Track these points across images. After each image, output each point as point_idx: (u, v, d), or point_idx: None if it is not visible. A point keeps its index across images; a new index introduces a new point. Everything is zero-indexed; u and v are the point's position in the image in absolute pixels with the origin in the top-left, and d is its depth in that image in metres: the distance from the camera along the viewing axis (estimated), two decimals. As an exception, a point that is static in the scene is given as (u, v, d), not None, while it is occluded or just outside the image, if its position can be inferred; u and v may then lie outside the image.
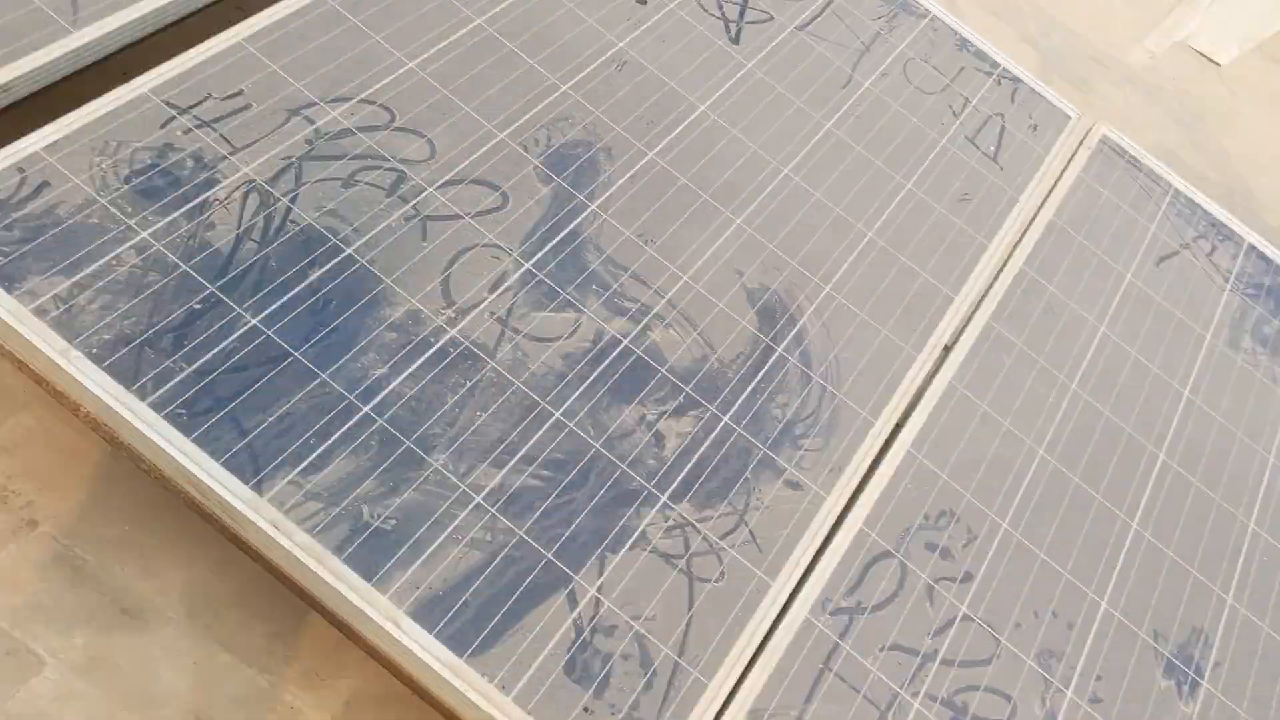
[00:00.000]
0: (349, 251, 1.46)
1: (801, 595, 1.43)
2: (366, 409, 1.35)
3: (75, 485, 1.40)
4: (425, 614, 1.26)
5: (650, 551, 1.40)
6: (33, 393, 1.44)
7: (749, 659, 1.36)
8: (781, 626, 1.40)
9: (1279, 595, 1.71)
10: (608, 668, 1.30)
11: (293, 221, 1.46)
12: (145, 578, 1.37)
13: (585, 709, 1.27)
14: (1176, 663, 1.57)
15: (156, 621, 1.35)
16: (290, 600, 1.41)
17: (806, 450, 1.54)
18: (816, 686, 1.38)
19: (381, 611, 1.25)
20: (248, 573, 1.41)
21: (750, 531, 1.45)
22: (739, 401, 1.55)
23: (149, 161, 1.44)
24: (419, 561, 1.29)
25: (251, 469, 1.27)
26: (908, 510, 1.55)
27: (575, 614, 1.33)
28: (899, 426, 1.63)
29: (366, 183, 1.53)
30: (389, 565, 1.28)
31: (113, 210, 1.38)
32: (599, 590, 1.35)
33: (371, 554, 1.28)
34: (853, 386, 1.63)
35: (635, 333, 1.55)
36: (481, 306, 1.49)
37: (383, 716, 1.38)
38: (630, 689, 1.30)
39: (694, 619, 1.37)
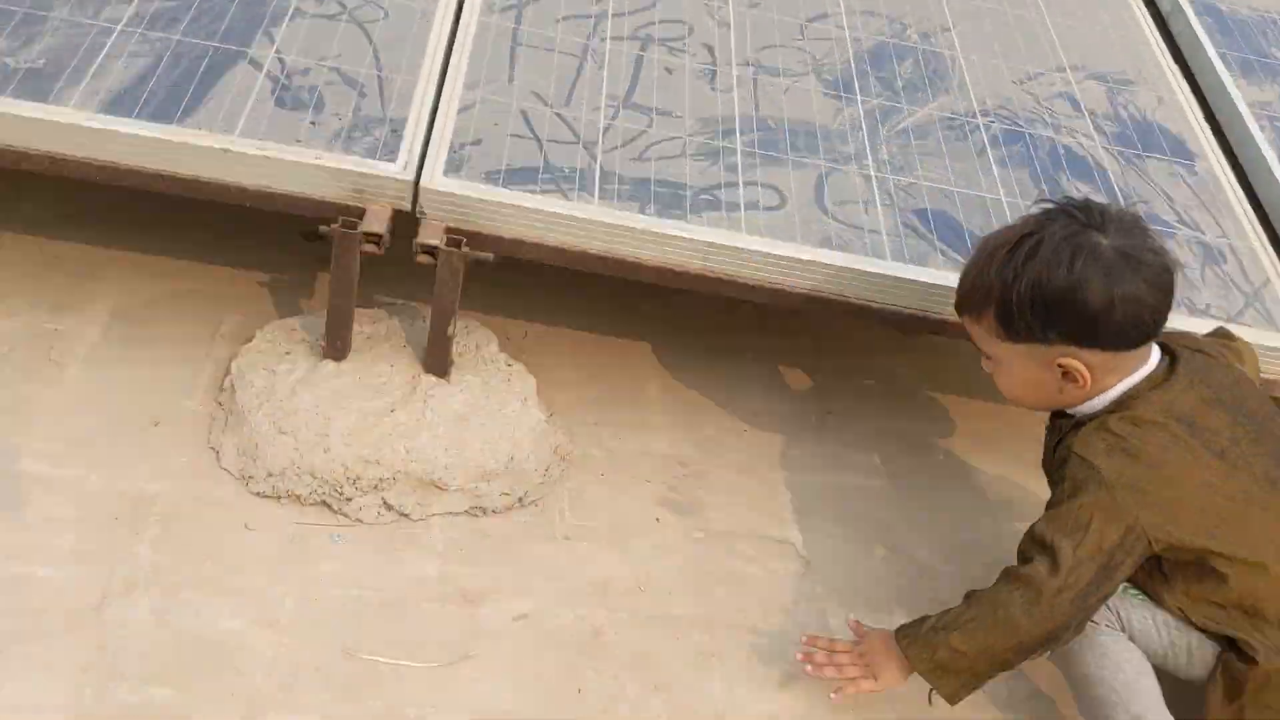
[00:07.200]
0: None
1: (466, 8, 1.50)
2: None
3: None
4: (115, 106, 1.24)
5: (311, 17, 1.42)
6: None
7: (443, 61, 1.42)
8: (460, 30, 1.46)
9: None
10: (316, 95, 1.32)
11: None
12: None
13: (311, 123, 1.29)
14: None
15: None
16: None
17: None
18: (514, 61, 1.45)
19: (69, 118, 1.22)
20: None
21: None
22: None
23: None
24: (85, 80, 1.26)
25: None
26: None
27: (264, 71, 1.34)
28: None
29: None
30: (57, 88, 1.25)
31: None
32: (277, 51, 1.36)
33: (36, 85, 1.24)
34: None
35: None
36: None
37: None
38: (346, 102, 1.32)
39: (378, 50, 1.41)
